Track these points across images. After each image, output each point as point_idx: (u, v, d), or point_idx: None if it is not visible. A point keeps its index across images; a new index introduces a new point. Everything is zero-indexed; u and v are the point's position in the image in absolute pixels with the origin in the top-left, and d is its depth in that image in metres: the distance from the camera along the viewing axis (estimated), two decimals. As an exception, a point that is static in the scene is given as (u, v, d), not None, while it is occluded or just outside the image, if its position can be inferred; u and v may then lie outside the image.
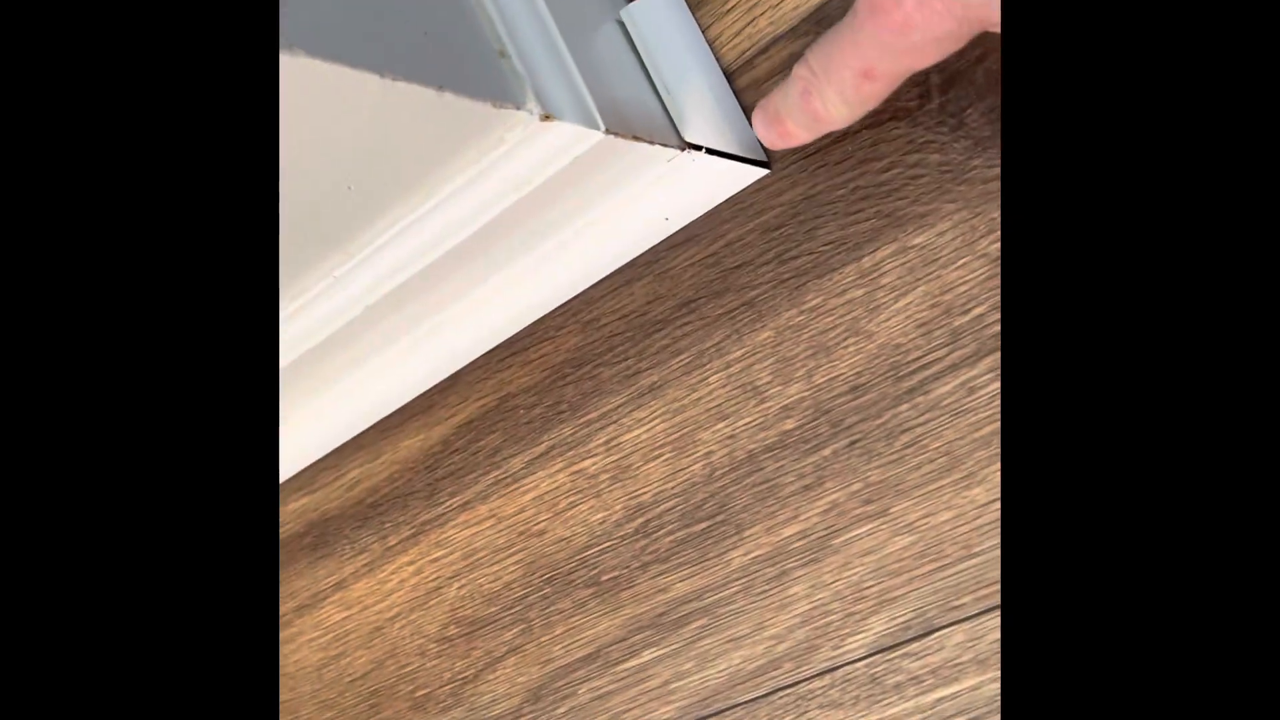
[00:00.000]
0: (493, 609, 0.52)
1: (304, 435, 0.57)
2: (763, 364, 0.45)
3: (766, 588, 0.45)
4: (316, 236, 0.42)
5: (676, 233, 0.46)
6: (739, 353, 0.45)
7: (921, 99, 0.40)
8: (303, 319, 0.46)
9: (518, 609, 0.52)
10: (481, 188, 0.41)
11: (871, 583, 0.43)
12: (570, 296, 0.49)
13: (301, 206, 0.39)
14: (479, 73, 0.37)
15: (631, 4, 0.44)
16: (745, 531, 0.45)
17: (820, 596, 0.44)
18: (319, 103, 0.33)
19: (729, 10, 0.44)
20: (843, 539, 0.43)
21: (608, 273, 0.48)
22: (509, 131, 0.39)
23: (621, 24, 0.44)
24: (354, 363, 0.51)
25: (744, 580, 0.45)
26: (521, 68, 0.38)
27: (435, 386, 0.54)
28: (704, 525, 0.46)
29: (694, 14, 0.45)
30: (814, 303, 0.43)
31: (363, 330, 0.48)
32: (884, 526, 0.42)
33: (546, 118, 0.38)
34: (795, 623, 0.44)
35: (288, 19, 0.30)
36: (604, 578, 0.49)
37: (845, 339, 0.43)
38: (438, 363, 0.53)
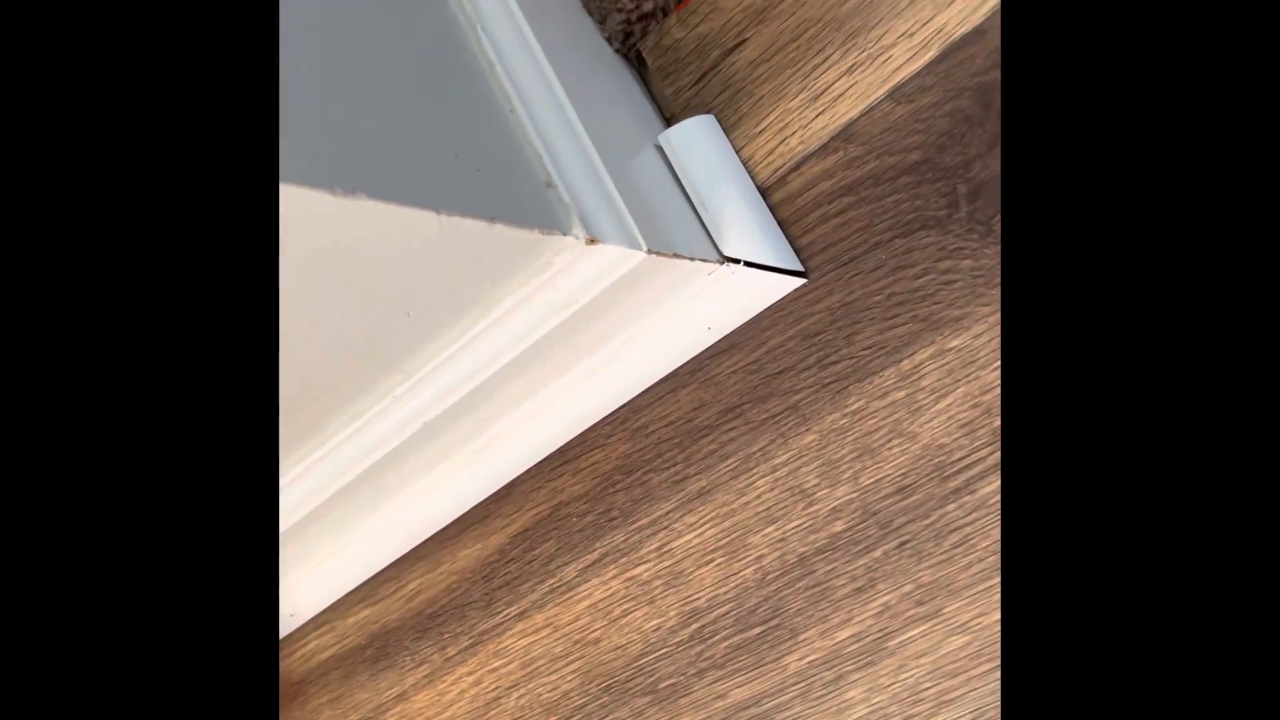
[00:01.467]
0: (552, 719, 0.53)
1: (365, 548, 0.58)
2: (809, 467, 0.45)
3: (824, 692, 0.45)
4: (377, 360, 0.44)
5: (719, 341, 0.48)
6: (785, 456, 0.46)
7: (950, 208, 0.42)
8: (363, 437, 0.48)
9: (577, 719, 0.52)
10: (531, 308, 0.43)
11: (928, 684, 0.42)
12: (619, 405, 0.51)
13: (362, 334, 0.41)
14: (528, 202, 0.39)
15: (669, 129, 0.47)
16: (800, 635, 0.45)
17: (878, 700, 0.43)
18: (379, 238, 0.35)
19: (761, 131, 0.46)
20: (897, 641, 0.43)
21: (654, 381, 0.50)
22: (556, 255, 0.41)
23: (660, 148, 0.47)
24: (413, 476, 0.53)
25: (801, 685, 0.45)
26: (567, 196, 0.41)
27: (490, 496, 0.55)
28: (759, 630, 0.47)
29: (728, 136, 0.47)
30: (856, 406, 0.44)
31: (421, 445, 0.50)
32: (938, 627, 0.42)
33: (592, 241, 0.40)
34: (854, 728, 0.44)
35: (348, 163, 0.33)
36: (661, 685, 0.49)
37: (889, 440, 0.43)
38: (493, 474, 0.54)
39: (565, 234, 0.40)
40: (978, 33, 0.41)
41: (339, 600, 0.62)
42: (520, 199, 0.39)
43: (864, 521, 0.44)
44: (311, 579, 0.60)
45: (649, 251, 0.41)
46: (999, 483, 0.41)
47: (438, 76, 0.40)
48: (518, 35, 0.44)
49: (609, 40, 0.50)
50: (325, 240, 0.34)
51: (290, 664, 0.63)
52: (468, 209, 0.36)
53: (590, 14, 0.50)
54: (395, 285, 0.39)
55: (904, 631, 0.43)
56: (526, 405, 0.50)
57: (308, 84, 0.33)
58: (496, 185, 0.38)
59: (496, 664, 0.55)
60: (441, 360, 0.45)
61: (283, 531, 0.54)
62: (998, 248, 0.41)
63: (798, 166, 0.45)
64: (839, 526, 0.45)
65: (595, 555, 0.52)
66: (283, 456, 0.49)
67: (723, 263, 0.45)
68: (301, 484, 0.50)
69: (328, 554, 0.58)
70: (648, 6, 0.49)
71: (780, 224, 0.46)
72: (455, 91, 0.40)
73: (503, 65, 0.43)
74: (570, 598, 0.52)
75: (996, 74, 0.41)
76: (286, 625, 0.63)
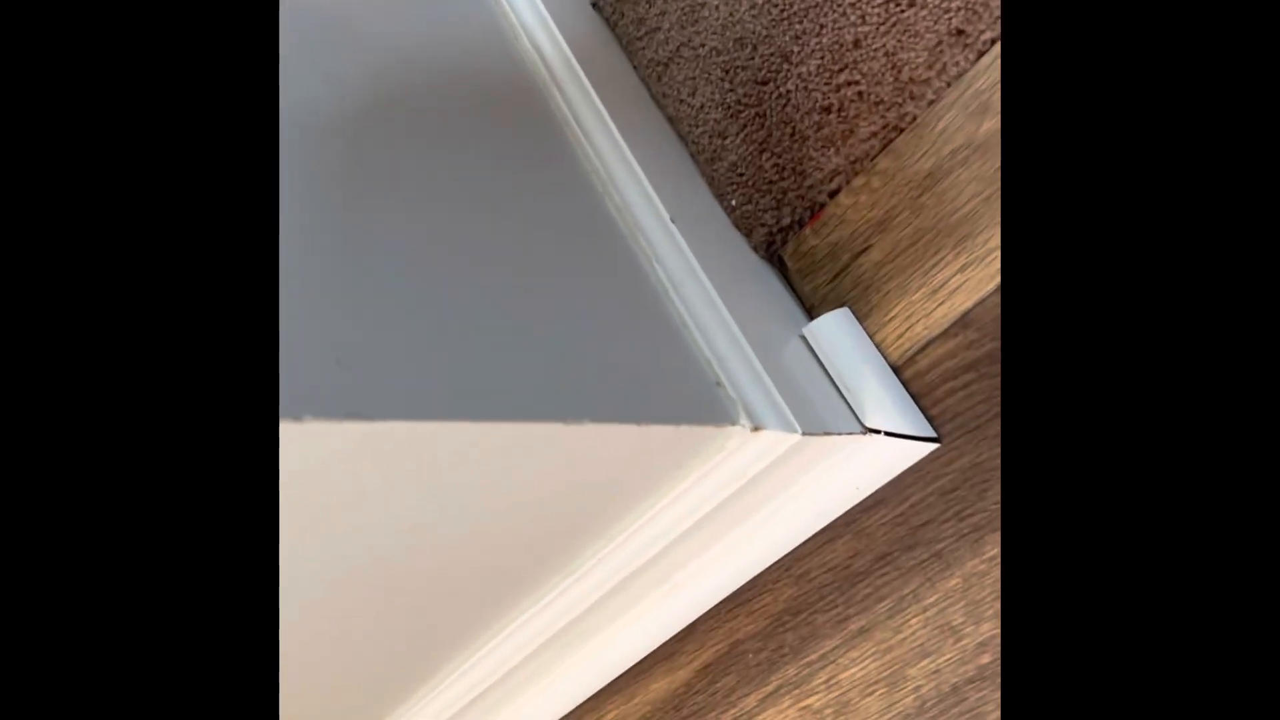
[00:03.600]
0: (741, 836, 0.60)
1: (568, 684, 0.67)
2: (955, 606, 0.52)
3: (985, 810, 0.51)
4: (589, 530, 0.54)
5: (867, 498, 0.56)
6: (934, 598, 0.53)
7: (1058, 382, 0.49)
8: (575, 590, 0.58)
9: (763, 835, 0.59)
10: (708, 484, 0.52)
11: (1080, 803, 0.48)
12: (783, 554, 0.59)
13: (576, 512, 0.52)
14: (703, 402, 0.49)
15: (811, 323, 0.56)
16: (959, 757, 0.52)
17: (1034, 817, 0.49)
18: (596, 443, 0.46)
19: (889, 320, 0.55)
20: (1047, 762, 0.49)
21: (812, 533, 0.58)
22: (728, 441, 0.50)
23: (804, 338, 0.56)
24: (610, 620, 0.63)
25: (963, 803, 0.51)
26: (734, 393, 0.50)
27: (675, 636, 0.64)
28: (921, 753, 0.53)
29: (862, 324, 0.56)
30: (993, 553, 0.51)
31: (618, 595, 0.60)
32: (1083, 750, 0.48)
33: (756, 429, 0.49)
34: (1015, 842, 0.49)
35: (587, 397, 0.43)
36: (837, 804, 0.56)
37: (1024, 582, 0.50)
38: (677, 616, 0.63)
39: (734, 424, 0.49)
40: (1068, 235, 0.49)
41: (546, 729, 0.71)
42: (697, 400, 0.49)
43: (1008, 654, 0.50)
44: (523, 712, 0.69)
45: (804, 434, 0.50)
46: (1125, 619, 0.47)
47: (630, 308, 0.51)
48: (684, 263, 0.55)
49: (755, 250, 0.60)
50: (559, 451, 0.45)
51: (505, 787, 0.73)
52: (660, 418, 0.46)
53: (739, 230, 0.61)
54: (604, 476, 0.49)
55: (1053, 753, 0.49)
56: (704, 558, 0.59)
57: (544, 336, 0.44)
58: (679, 392, 0.49)
59: (689, 786, 0.62)
60: (636, 528, 0.54)
61: (500, 674, 0.64)
62: (1103, 415, 0.48)
63: (924, 348, 0.54)
64: (986, 659, 0.51)
65: (771, 687, 0.59)
66: (512, 606, 0.59)
67: (865, 433, 0.53)
68: (526, 629, 0.60)
69: (539, 689, 0.68)
70: (786, 221, 0.59)
71: (913, 397, 0.54)
72: (644, 318, 0.51)
73: (675, 290, 0.54)
74: (751, 725, 0.60)
75: (1088, 268, 0.49)
76: (501, 752, 0.72)
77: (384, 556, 0.47)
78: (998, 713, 0.51)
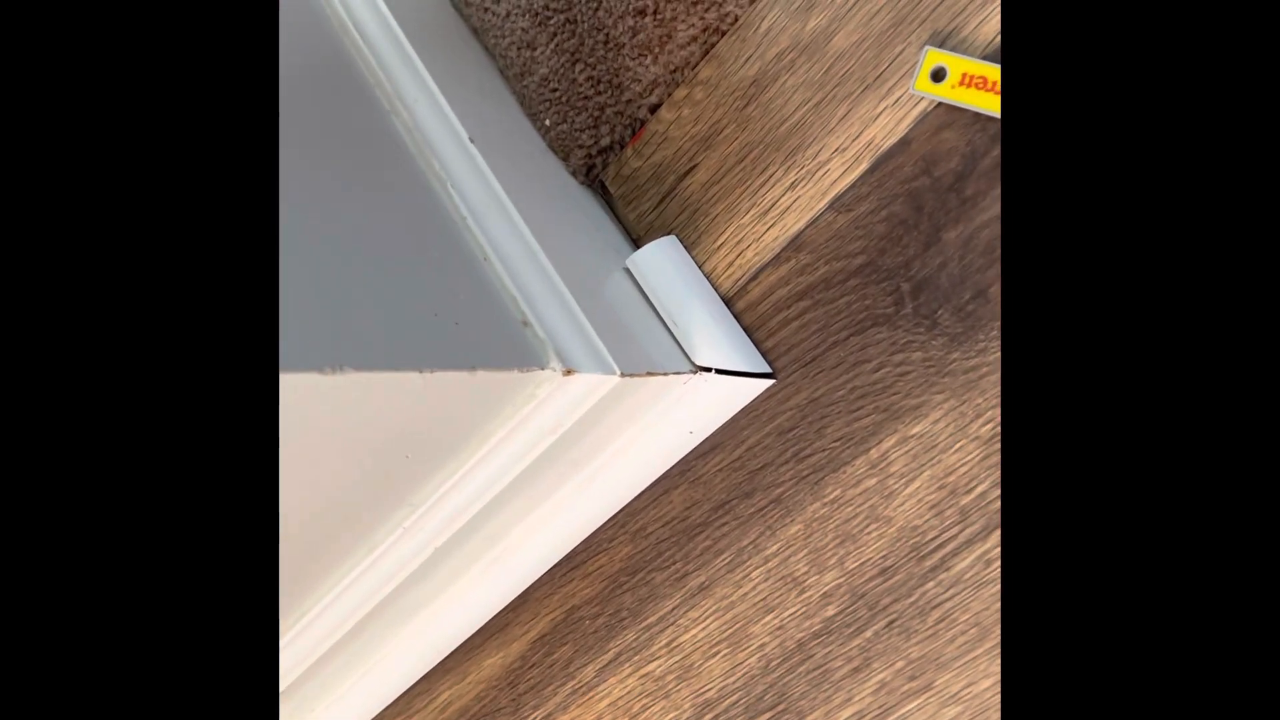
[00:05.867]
0: (584, 817, 0.55)
1: (397, 665, 0.61)
2: (797, 556, 0.48)
3: (834, 772, 0.47)
4: (385, 499, 0.47)
5: (702, 443, 0.51)
6: (774, 547, 0.49)
7: (896, 305, 0.45)
8: (382, 565, 0.51)
9: (607, 815, 0.54)
10: (522, 435, 0.46)
11: (931, 757, 0.44)
12: (617, 510, 0.54)
13: (367, 478, 0.45)
14: (507, 344, 0.43)
15: (635, 253, 0.51)
16: (806, 718, 0.48)
17: (884, 776, 0.45)
18: (373, 397, 0.39)
19: (719, 246, 0.50)
20: (896, 716, 0.45)
21: (647, 484, 0.53)
22: (538, 388, 0.44)
23: (628, 271, 0.51)
24: (432, 596, 0.56)
25: (812, 766, 0.47)
26: (543, 332, 0.44)
27: (508, 606, 0.58)
28: (768, 715, 0.49)
29: (690, 252, 0.51)
30: (834, 495, 0.47)
31: (436, 568, 0.53)
32: (931, 700, 0.44)
33: (569, 372, 0.44)
34: (865, 805, 0.46)
35: (333, 342, 0.36)
36: (682, 776, 0.51)
37: (867, 526, 0.46)
38: (508, 585, 0.57)
39: (543, 368, 0.43)
40: (903, 143, 0.45)
41: (378, 715, 0.64)
42: (499, 342, 0.43)
43: (853, 604, 0.46)
44: (348, 700, 0.63)
45: (622, 375, 0.45)
46: (970, 558, 0.43)
47: (415, 239, 0.44)
48: (486, 188, 0.48)
49: (574, 175, 0.54)
50: (325, 406, 0.38)
51: (336, 782, 0.66)
52: (448, 363, 0.40)
53: (555, 152, 0.54)
54: (392, 433, 0.43)
55: (901, 706, 0.45)
56: (531, 520, 0.53)
57: (293, 269, 0.37)
58: (476, 334, 0.42)
59: (528, 767, 0.57)
60: (443, 492, 0.48)
61: (315, 658, 0.57)
62: (944, 338, 0.44)
63: (755, 276, 0.49)
64: (831, 610, 0.47)
65: (610, 655, 0.54)
66: (307, 591, 0.52)
67: (695, 372, 0.48)
68: (328, 615, 0.53)
69: (360, 675, 0.61)
70: (605, 141, 0.53)
71: (745, 330, 0.49)
72: (432, 251, 0.44)
73: (474, 219, 0.47)
74: (591, 698, 0.55)
75: (925, 180, 0.44)
76: (329, 745, 0.65)
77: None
78: (845, 668, 0.47)
